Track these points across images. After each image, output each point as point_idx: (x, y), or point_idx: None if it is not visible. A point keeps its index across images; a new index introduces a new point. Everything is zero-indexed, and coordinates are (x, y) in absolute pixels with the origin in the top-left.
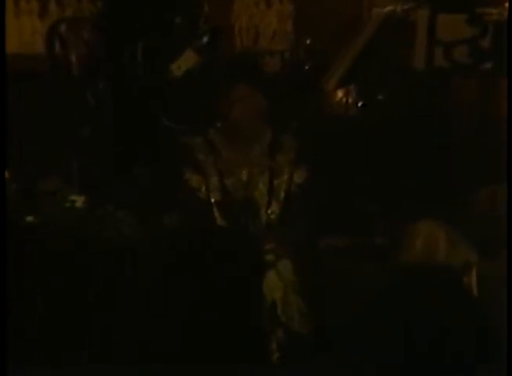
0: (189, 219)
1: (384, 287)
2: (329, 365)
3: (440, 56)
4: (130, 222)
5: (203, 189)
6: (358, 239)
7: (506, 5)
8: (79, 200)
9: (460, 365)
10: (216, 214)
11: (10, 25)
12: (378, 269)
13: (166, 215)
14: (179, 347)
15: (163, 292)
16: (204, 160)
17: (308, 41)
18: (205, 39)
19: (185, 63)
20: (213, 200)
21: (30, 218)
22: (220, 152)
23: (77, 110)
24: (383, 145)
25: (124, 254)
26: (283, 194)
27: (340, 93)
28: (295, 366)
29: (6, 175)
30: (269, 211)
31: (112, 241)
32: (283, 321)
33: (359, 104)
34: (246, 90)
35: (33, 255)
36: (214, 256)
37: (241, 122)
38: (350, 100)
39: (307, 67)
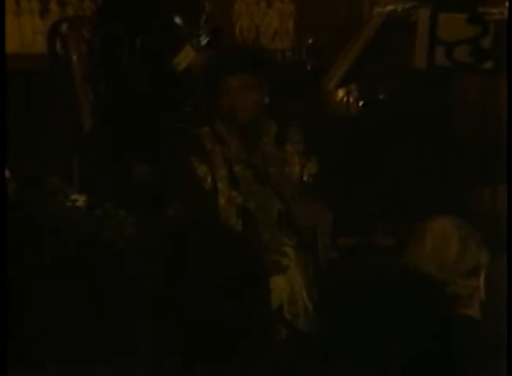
0: (194, 213)
1: (388, 287)
2: (333, 363)
3: (441, 56)
4: (131, 222)
5: (210, 178)
6: (362, 238)
7: (507, 4)
8: (80, 200)
9: (460, 365)
10: (222, 204)
11: (11, 24)
12: (384, 269)
13: (169, 211)
14: (181, 346)
15: (164, 291)
16: (212, 150)
17: (308, 41)
18: (206, 38)
19: (185, 59)
20: (220, 190)
21: (30, 218)
22: (227, 142)
23: (78, 109)
24: (383, 145)
25: (124, 254)
26: (296, 183)
27: (341, 93)
28: (298, 364)
29: (6, 174)
30: (282, 203)
31: (113, 240)
32: (288, 319)
33: (360, 104)
34: (241, 79)
35: (33, 255)
36: (222, 252)
37: (238, 112)
38: (351, 100)
39: (308, 67)
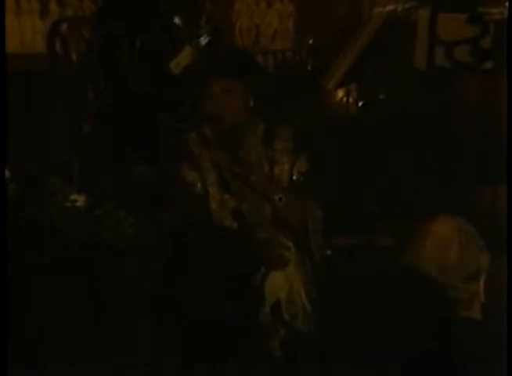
0: (189, 216)
1: (388, 287)
2: (332, 363)
3: (441, 56)
4: (131, 222)
5: (200, 184)
6: (362, 238)
7: (507, 4)
8: (80, 200)
9: (460, 365)
10: (215, 208)
11: (11, 24)
12: (384, 269)
13: (166, 213)
14: (181, 346)
15: (164, 291)
16: (199, 155)
17: (308, 41)
18: (206, 39)
19: (183, 60)
20: (211, 194)
21: (30, 218)
22: (214, 145)
23: (78, 109)
24: (383, 145)
25: (124, 254)
26: (286, 182)
27: (340, 93)
28: (297, 364)
29: (6, 174)
30: (276, 198)
31: (113, 240)
32: (286, 320)
33: (360, 104)
34: (225, 84)
35: (33, 255)
36: (222, 252)
37: (224, 116)
38: (351, 100)
39: (308, 67)
